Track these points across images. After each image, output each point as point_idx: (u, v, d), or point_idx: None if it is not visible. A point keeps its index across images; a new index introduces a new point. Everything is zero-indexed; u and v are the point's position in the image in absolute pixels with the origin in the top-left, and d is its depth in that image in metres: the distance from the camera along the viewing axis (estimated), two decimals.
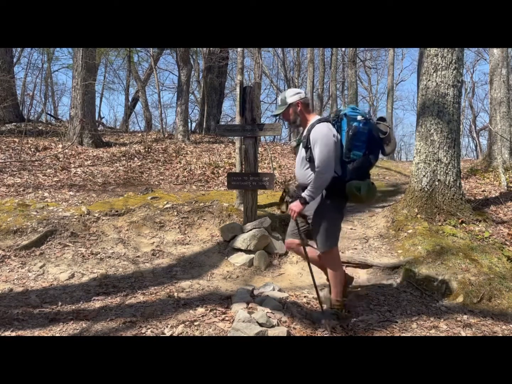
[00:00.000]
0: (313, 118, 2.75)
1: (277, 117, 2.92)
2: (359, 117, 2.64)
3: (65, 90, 33.72)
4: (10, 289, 3.21)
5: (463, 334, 2.73)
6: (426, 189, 4.68)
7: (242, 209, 4.69)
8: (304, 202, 2.60)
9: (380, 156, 2.82)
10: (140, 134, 11.83)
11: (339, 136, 2.66)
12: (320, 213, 2.70)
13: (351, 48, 15.59)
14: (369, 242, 4.51)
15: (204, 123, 14.11)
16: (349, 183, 2.62)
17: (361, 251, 4.28)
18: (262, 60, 19.26)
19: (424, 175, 4.71)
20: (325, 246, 2.77)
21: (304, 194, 2.60)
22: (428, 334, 2.71)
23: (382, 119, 2.79)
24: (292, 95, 2.75)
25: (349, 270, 3.89)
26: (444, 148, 4.65)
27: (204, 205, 5.12)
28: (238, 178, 4.46)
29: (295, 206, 2.63)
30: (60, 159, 7.95)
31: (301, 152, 2.74)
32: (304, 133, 2.73)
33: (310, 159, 2.64)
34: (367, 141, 2.64)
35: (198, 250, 4.31)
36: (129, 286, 3.38)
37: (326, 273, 2.99)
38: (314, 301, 3.12)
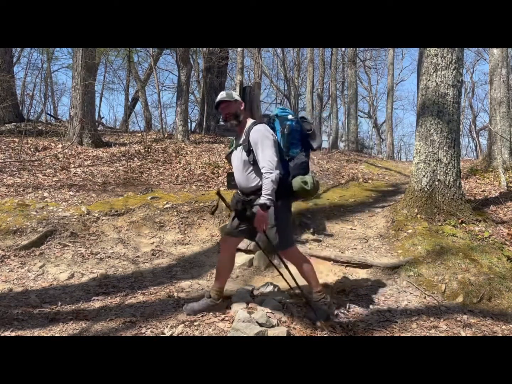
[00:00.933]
0: (249, 121, 2.75)
1: (218, 108, 2.82)
2: (290, 117, 2.71)
3: (65, 90, 33.77)
4: (10, 289, 3.21)
5: (463, 334, 2.73)
6: (426, 189, 4.68)
7: None
8: (267, 208, 2.51)
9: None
10: (140, 134, 11.81)
11: (275, 136, 2.68)
12: (274, 216, 2.65)
13: (351, 48, 15.61)
14: (369, 242, 4.51)
15: (204, 123, 14.10)
16: (295, 179, 2.63)
17: (361, 251, 4.28)
18: (262, 60, 19.23)
19: (424, 175, 4.71)
20: (283, 247, 2.75)
21: (263, 200, 2.50)
22: (428, 334, 2.71)
23: (303, 118, 2.85)
24: (238, 95, 2.78)
25: (349, 270, 3.90)
26: (444, 148, 4.65)
27: (204, 205, 5.13)
28: None
29: (262, 216, 2.52)
30: (60, 159, 7.94)
31: (242, 156, 2.68)
32: (243, 137, 2.70)
33: (254, 162, 2.61)
34: (301, 138, 2.72)
35: (198, 250, 4.31)
36: (129, 286, 3.38)
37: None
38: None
